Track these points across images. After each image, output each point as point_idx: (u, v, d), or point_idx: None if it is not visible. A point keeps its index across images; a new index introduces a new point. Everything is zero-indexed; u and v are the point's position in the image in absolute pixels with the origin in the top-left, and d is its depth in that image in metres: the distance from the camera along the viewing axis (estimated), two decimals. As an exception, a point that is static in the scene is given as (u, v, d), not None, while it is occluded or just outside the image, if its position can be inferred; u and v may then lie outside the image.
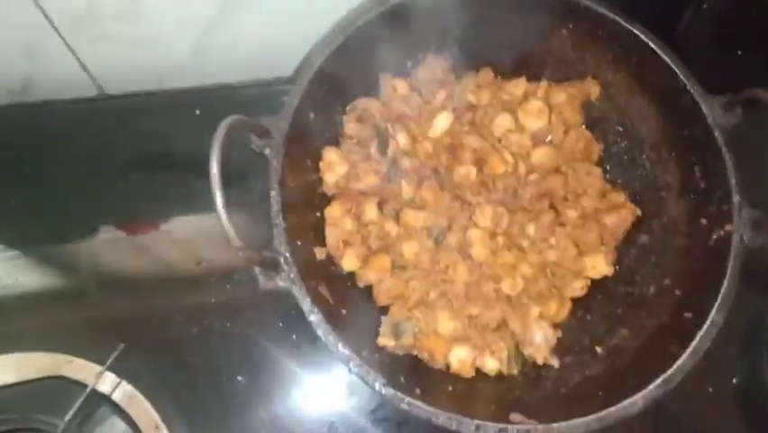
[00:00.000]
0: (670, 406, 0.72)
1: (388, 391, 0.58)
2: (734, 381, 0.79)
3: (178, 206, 0.85)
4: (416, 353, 0.69)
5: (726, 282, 0.63)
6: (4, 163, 0.87)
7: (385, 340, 0.68)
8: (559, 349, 0.71)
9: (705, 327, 0.61)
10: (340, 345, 0.59)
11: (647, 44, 0.69)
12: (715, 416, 0.79)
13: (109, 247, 0.83)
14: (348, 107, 0.77)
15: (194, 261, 0.82)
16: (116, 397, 0.74)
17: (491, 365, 0.69)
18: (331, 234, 0.72)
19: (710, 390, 0.78)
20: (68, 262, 0.83)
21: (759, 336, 0.80)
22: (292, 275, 0.59)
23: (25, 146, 0.88)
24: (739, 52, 0.91)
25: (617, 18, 0.69)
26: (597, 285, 0.75)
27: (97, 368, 0.74)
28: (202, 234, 0.84)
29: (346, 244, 0.72)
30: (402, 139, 0.74)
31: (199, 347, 0.78)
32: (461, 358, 0.68)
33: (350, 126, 0.76)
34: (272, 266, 0.59)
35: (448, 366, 0.69)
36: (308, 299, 0.59)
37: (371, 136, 0.75)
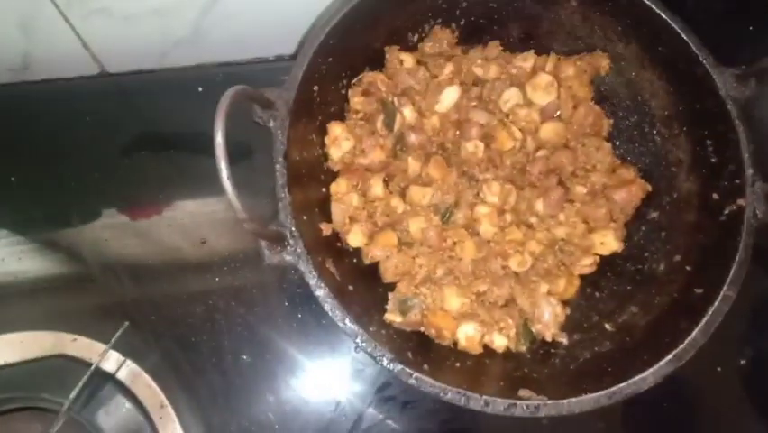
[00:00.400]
0: (679, 385, 0.72)
1: (396, 367, 0.57)
2: (742, 361, 0.79)
3: (182, 188, 0.85)
4: (423, 329, 0.69)
5: (738, 257, 0.62)
6: (4, 145, 0.87)
7: (392, 316, 0.67)
8: (568, 326, 0.71)
9: (716, 302, 0.61)
10: (347, 320, 0.58)
11: (659, 15, 0.67)
12: (723, 396, 0.79)
13: (112, 231, 0.83)
14: (354, 81, 0.75)
15: (198, 241, 0.82)
16: (121, 375, 0.74)
17: (499, 342, 0.69)
18: (337, 210, 0.71)
19: (719, 369, 0.78)
20: (71, 247, 0.83)
21: (767, 315, 0.79)
22: (299, 249, 0.59)
23: (26, 127, 0.87)
24: (750, 27, 0.90)
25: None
26: (606, 262, 0.74)
27: (101, 347, 0.74)
28: (206, 215, 0.83)
29: (352, 220, 0.72)
30: (408, 113, 0.73)
31: (204, 327, 0.78)
32: (468, 335, 0.68)
33: (355, 100, 0.74)
34: (278, 240, 0.59)
35: (456, 343, 0.69)
36: (315, 274, 0.58)
37: (377, 111, 0.74)
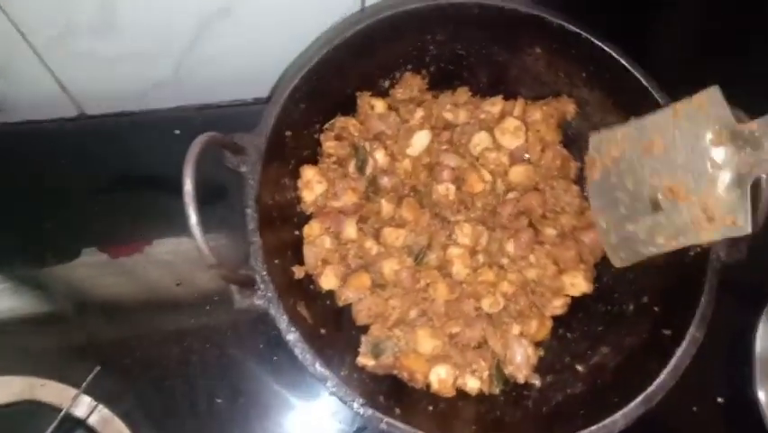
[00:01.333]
0: (655, 426, 0.72)
1: (367, 411, 0.57)
2: (719, 400, 0.79)
3: (160, 227, 0.85)
4: (396, 372, 0.69)
5: (703, 299, 0.63)
6: None
7: (365, 360, 0.68)
8: (540, 368, 0.71)
9: (684, 343, 0.62)
10: (317, 365, 0.58)
11: (618, 61, 0.70)
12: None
13: (90, 270, 0.83)
14: (326, 126, 0.77)
15: (173, 282, 0.82)
16: (92, 421, 0.73)
17: (472, 384, 0.69)
18: (309, 253, 0.72)
19: (695, 409, 0.78)
20: (46, 286, 0.82)
21: (743, 353, 0.79)
22: (269, 293, 0.59)
23: (5, 167, 0.87)
24: (708, 71, 0.93)
25: (589, 36, 0.70)
26: (577, 303, 0.75)
27: (73, 391, 0.73)
28: (182, 255, 0.83)
29: (325, 262, 0.72)
30: (381, 157, 0.75)
31: (179, 369, 0.77)
32: (441, 377, 0.68)
33: (328, 144, 0.76)
34: (249, 284, 0.59)
35: (428, 386, 0.69)
36: (285, 318, 0.59)
37: (350, 155, 0.76)
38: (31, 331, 0.80)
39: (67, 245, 0.84)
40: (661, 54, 0.82)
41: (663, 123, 0.64)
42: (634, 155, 0.66)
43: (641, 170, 0.66)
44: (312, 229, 0.72)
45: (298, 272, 0.69)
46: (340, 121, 0.76)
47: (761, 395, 0.77)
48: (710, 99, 0.60)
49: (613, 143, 0.69)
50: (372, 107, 0.76)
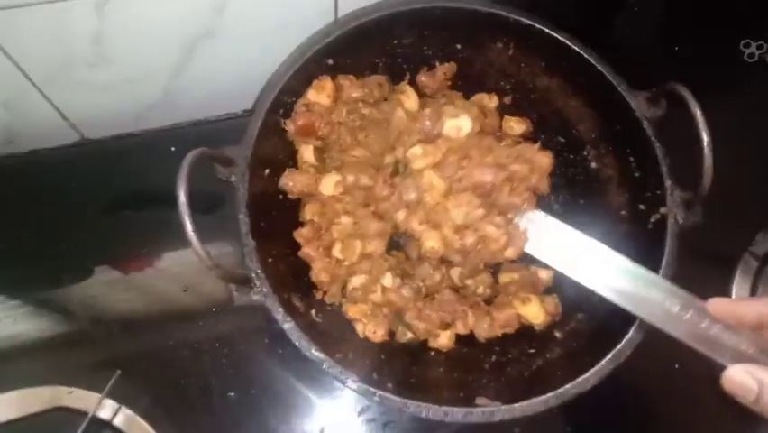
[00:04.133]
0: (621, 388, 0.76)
1: (361, 387, 0.62)
2: (676, 366, 0.84)
3: (166, 240, 0.89)
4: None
5: (665, 260, 0.68)
6: None
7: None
8: (522, 337, 0.77)
9: (649, 303, 0.66)
10: (313, 350, 0.63)
11: (574, 49, 0.74)
12: (660, 398, 0.83)
13: (103, 287, 0.87)
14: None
15: (181, 289, 0.86)
16: (117, 422, 0.78)
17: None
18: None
19: (656, 373, 0.82)
20: (64, 306, 0.87)
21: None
22: (264, 289, 0.64)
23: (14, 196, 0.92)
24: (675, 48, 0.98)
25: (543, 28, 0.75)
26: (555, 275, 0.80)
27: (97, 396, 0.78)
28: (188, 265, 0.88)
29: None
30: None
31: (192, 369, 0.82)
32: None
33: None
34: (246, 282, 0.65)
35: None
36: (281, 310, 0.64)
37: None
38: (55, 348, 0.85)
39: (80, 266, 0.88)
40: (626, 38, 0.87)
41: None
42: None
43: None
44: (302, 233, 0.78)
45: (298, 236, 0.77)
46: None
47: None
48: None
49: None
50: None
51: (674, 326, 0.61)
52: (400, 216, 0.73)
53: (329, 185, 0.77)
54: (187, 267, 0.88)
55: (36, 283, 0.89)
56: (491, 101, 0.85)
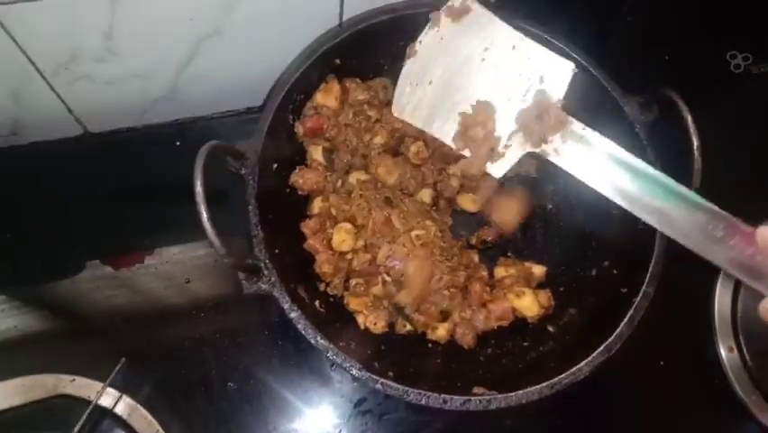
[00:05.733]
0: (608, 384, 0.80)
1: (363, 375, 0.65)
2: (661, 363, 0.87)
3: (164, 236, 0.91)
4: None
5: (654, 258, 0.71)
6: None
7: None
8: (516, 331, 0.79)
9: (638, 298, 0.70)
10: (318, 338, 0.66)
11: (569, 54, 0.77)
12: (646, 393, 0.86)
13: (98, 282, 0.88)
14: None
15: (182, 282, 0.88)
16: (118, 410, 0.79)
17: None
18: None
19: (642, 370, 0.86)
20: (64, 298, 0.88)
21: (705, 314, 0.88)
22: (272, 279, 0.66)
23: (15, 188, 0.93)
24: (666, 57, 1.02)
25: (541, 33, 0.77)
26: (547, 273, 0.84)
27: (99, 385, 0.79)
28: (188, 260, 0.89)
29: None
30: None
31: (192, 359, 0.84)
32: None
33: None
34: (254, 272, 0.67)
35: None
36: (288, 299, 0.66)
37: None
38: (56, 338, 0.86)
39: (80, 257, 0.89)
40: (622, 45, 0.90)
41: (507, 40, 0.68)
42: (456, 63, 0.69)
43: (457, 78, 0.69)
44: (309, 225, 0.81)
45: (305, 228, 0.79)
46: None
47: (721, 351, 0.85)
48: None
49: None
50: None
51: (716, 252, 0.57)
52: None
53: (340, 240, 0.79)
54: (187, 261, 0.89)
55: (35, 276, 0.90)
56: None
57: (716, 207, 0.59)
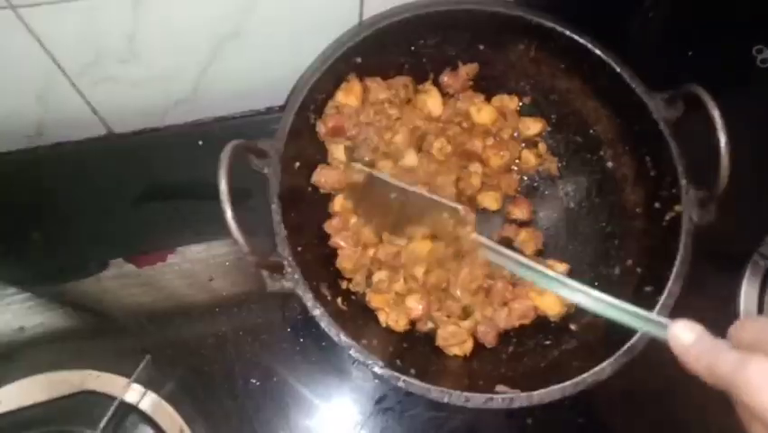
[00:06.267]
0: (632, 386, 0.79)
1: (386, 372, 0.65)
2: None
3: (187, 235, 0.91)
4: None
5: (679, 256, 0.70)
6: (20, 206, 0.93)
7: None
8: (538, 329, 0.79)
9: (663, 297, 0.69)
10: (342, 335, 0.66)
11: (594, 52, 0.77)
12: (672, 390, 0.84)
13: (121, 280, 0.89)
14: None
15: (205, 280, 0.89)
16: (143, 406, 0.80)
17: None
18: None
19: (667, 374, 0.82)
20: (84, 297, 0.89)
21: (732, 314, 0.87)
22: (296, 276, 0.67)
23: (40, 188, 0.94)
24: (690, 53, 1.00)
25: (564, 30, 0.77)
26: (571, 270, 0.83)
27: (124, 380, 0.80)
28: (211, 258, 0.90)
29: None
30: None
31: (216, 356, 0.84)
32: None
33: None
34: (278, 269, 0.67)
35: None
36: (311, 297, 0.66)
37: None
38: (82, 335, 0.87)
39: (104, 256, 0.90)
40: (642, 41, 0.89)
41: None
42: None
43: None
44: (333, 225, 0.81)
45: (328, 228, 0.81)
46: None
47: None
48: None
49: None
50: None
51: None
52: None
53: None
54: (209, 259, 0.90)
55: (60, 274, 0.91)
56: (512, 102, 0.88)
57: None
